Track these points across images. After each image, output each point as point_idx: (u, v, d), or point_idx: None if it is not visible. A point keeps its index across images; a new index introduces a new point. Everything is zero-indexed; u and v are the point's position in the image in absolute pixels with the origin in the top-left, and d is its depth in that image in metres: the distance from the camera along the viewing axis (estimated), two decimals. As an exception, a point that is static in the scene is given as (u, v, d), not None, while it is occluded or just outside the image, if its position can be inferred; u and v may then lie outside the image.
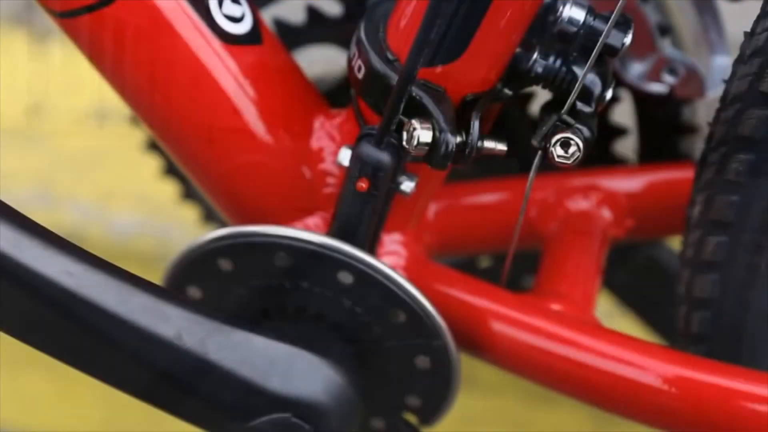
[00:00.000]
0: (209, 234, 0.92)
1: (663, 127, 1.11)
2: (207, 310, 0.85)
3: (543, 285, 1.01)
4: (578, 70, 0.81)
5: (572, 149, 0.86)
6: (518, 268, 1.12)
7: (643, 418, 0.92)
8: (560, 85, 0.83)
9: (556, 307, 0.97)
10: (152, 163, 1.33)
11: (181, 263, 0.97)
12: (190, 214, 1.40)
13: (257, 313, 0.90)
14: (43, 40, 2.21)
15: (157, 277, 0.99)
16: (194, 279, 0.98)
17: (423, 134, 0.78)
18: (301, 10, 1.14)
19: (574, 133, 0.81)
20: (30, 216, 0.90)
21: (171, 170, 1.29)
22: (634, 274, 1.24)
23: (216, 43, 0.85)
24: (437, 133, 0.78)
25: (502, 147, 0.88)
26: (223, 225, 1.04)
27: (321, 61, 1.15)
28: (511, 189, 1.09)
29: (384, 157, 0.80)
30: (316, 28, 1.13)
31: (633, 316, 1.34)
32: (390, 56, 0.81)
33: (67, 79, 2.17)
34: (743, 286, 0.91)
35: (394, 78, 0.79)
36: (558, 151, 0.86)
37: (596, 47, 0.79)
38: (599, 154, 1.08)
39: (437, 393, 0.95)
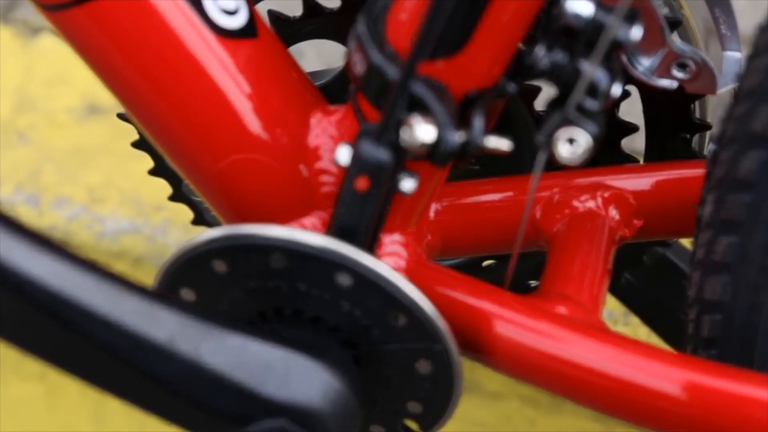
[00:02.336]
0: (203, 234, 0.90)
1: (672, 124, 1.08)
2: (201, 314, 0.82)
3: (548, 287, 0.98)
4: (585, 65, 0.78)
5: (578, 147, 0.83)
6: (522, 270, 1.09)
7: (651, 425, 0.90)
8: (566, 80, 0.80)
9: (561, 309, 0.94)
10: (144, 162, 1.30)
11: (174, 265, 0.94)
12: (184, 214, 1.38)
13: (253, 316, 0.87)
14: (31, 35, 2.19)
15: (148, 279, 0.96)
16: (188, 281, 0.95)
17: (424, 131, 0.75)
18: (298, 3, 1.12)
19: (579, 130, 0.78)
20: (18, 216, 0.88)
21: (159, 171, 1.26)
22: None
23: (210, 36, 0.82)
24: (439, 130, 0.75)
25: (506, 144, 0.85)
26: (217, 225, 1.01)
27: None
28: (515, 188, 1.07)
29: (384, 154, 0.77)
30: (314, 22, 1.10)
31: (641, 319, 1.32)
32: (390, 50, 0.78)
33: (56, 75, 2.14)
34: (755, 288, 0.88)
35: (395, 73, 0.76)
36: (563, 148, 0.84)
37: (602, 41, 0.76)
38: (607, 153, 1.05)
39: (439, 399, 0.92)
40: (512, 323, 0.92)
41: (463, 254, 1.18)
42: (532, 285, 1.20)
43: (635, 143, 1.16)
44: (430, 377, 0.86)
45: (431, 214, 1.01)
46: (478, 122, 0.79)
